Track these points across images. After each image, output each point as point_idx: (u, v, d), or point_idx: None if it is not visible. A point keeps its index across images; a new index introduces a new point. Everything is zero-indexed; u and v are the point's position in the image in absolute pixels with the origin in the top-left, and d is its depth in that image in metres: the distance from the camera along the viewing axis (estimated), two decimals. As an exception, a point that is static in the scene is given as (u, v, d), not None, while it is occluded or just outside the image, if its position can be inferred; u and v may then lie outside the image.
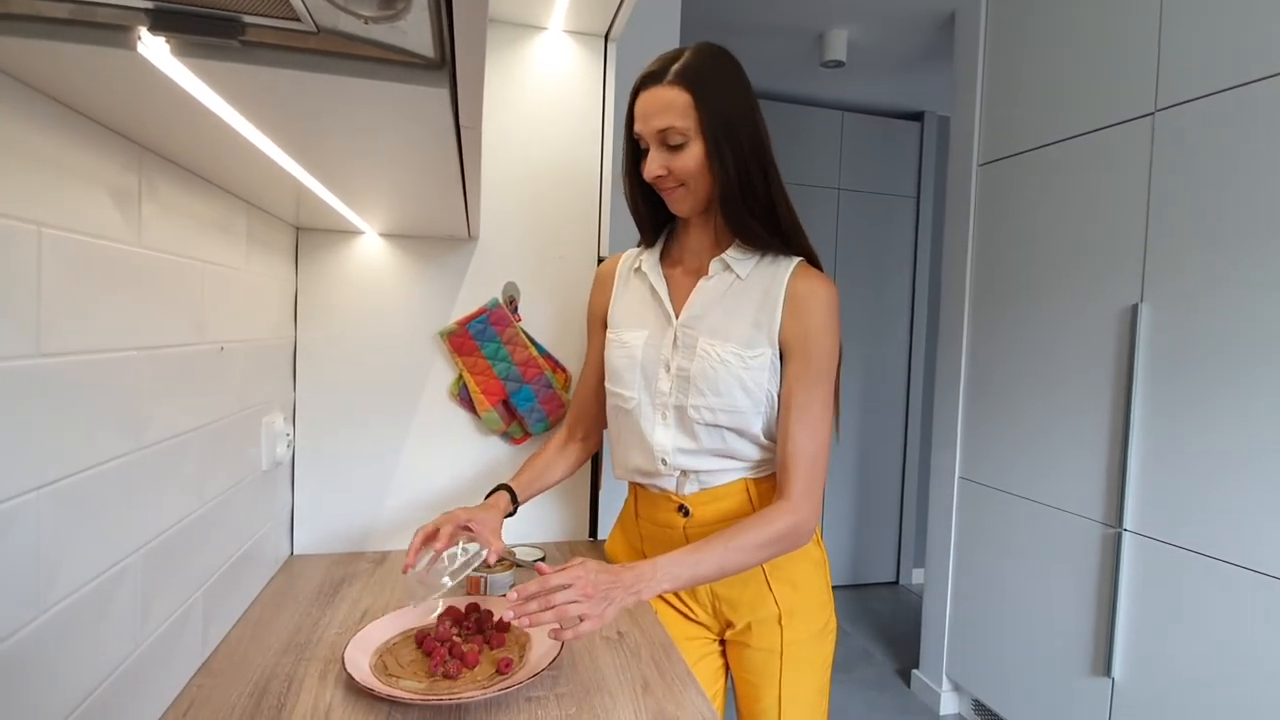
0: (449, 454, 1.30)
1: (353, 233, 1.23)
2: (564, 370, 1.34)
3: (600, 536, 1.39)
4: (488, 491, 1.05)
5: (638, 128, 0.93)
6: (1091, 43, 1.80)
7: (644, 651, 0.92)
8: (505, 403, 1.29)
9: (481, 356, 1.28)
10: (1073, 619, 1.82)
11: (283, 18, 0.39)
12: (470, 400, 1.29)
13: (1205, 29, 1.53)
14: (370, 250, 1.25)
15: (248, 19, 0.40)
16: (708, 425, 0.94)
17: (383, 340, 1.26)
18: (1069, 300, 1.85)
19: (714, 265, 0.97)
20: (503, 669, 0.82)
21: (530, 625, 0.73)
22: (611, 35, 1.32)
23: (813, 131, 3.33)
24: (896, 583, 3.56)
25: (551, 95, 1.31)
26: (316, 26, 0.40)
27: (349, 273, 1.24)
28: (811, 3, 2.46)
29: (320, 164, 0.72)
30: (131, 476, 0.67)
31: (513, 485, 1.05)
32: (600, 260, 1.35)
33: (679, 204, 0.96)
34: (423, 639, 0.87)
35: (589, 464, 1.35)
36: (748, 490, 0.98)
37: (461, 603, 0.95)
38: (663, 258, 1.05)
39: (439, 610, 0.94)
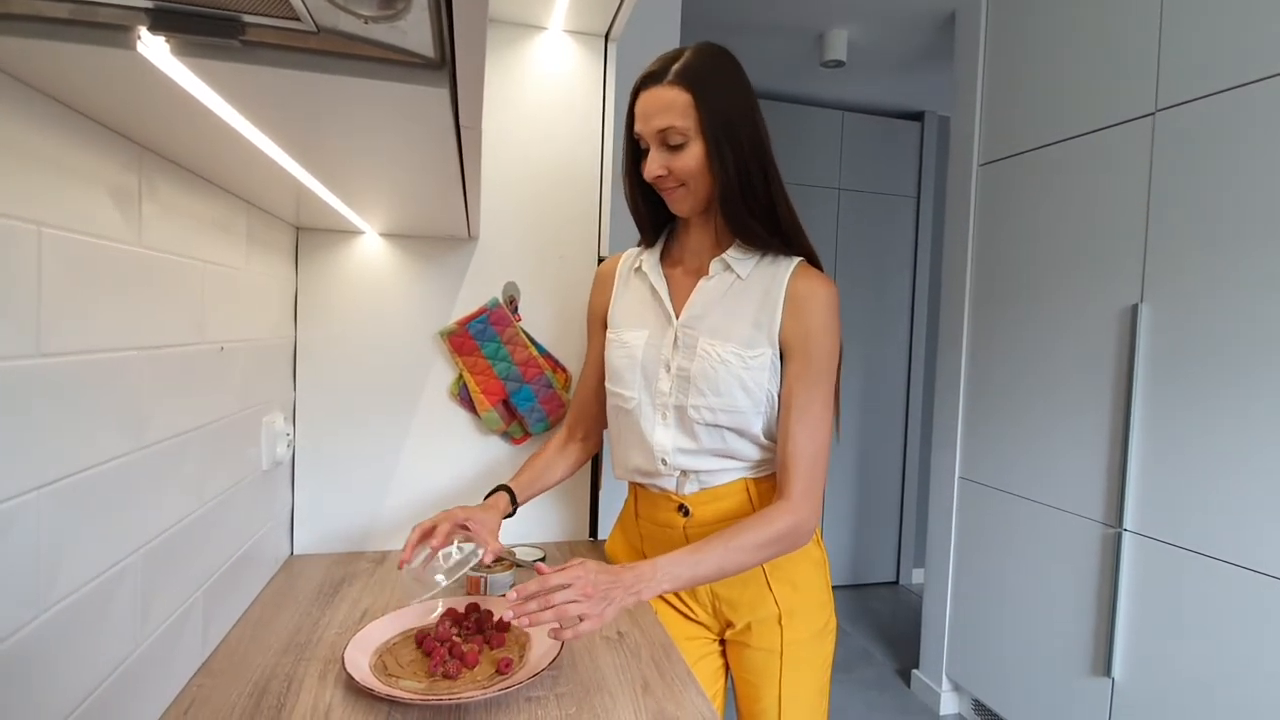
0: (449, 454, 1.30)
1: (353, 233, 1.23)
2: (564, 370, 1.34)
3: (600, 536, 1.39)
4: (487, 492, 1.05)
5: (638, 127, 0.93)
6: (1091, 43, 1.80)
7: (644, 651, 0.92)
8: (505, 402, 1.29)
9: (482, 356, 1.28)
10: (1073, 619, 1.82)
11: (283, 17, 0.39)
12: (470, 400, 1.29)
13: (1205, 29, 1.53)
14: (370, 250, 1.25)
15: (248, 19, 0.40)
16: (708, 425, 0.94)
17: (383, 340, 1.26)
18: (1069, 300, 1.85)
19: (714, 265, 0.97)
20: (503, 669, 0.82)
21: (530, 625, 0.73)
22: (611, 35, 1.32)
23: (813, 131, 3.33)
24: (896, 583, 3.56)
25: (551, 95, 1.31)
26: (316, 26, 0.40)
27: (349, 272, 1.24)
28: (812, 2, 2.46)
29: (320, 164, 0.72)
30: (131, 476, 0.67)
31: (512, 486, 1.05)
32: (600, 260, 1.35)
33: (679, 204, 0.96)
34: (423, 639, 0.87)
35: (589, 464, 1.35)
36: (748, 490, 0.98)
37: (461, 603, 0.95)
38: (663, 258, 1.05)
39: (439, 610, 0.94)
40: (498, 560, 1.09)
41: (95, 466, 0.61)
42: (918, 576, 3.56)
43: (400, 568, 0.89)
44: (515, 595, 0.75)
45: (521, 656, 0.86)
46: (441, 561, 0.91)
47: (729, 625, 1.02)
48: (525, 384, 1.30)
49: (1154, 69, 1.63)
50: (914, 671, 2.46)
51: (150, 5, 0.39)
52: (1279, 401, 1.37)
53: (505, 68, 1.28)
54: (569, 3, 1.19)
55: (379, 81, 0.45)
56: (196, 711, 0.76)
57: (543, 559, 1.20)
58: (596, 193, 1.35)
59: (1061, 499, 1.87)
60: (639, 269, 1.05)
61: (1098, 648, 1.75)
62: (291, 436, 1.20)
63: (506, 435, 1.33)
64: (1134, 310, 1.66)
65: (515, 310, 1.31)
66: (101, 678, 0.63)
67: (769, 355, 0.93)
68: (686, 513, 0.99)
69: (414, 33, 0.41)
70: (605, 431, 1.18)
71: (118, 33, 0.41)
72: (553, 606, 0.74)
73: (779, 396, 0.94)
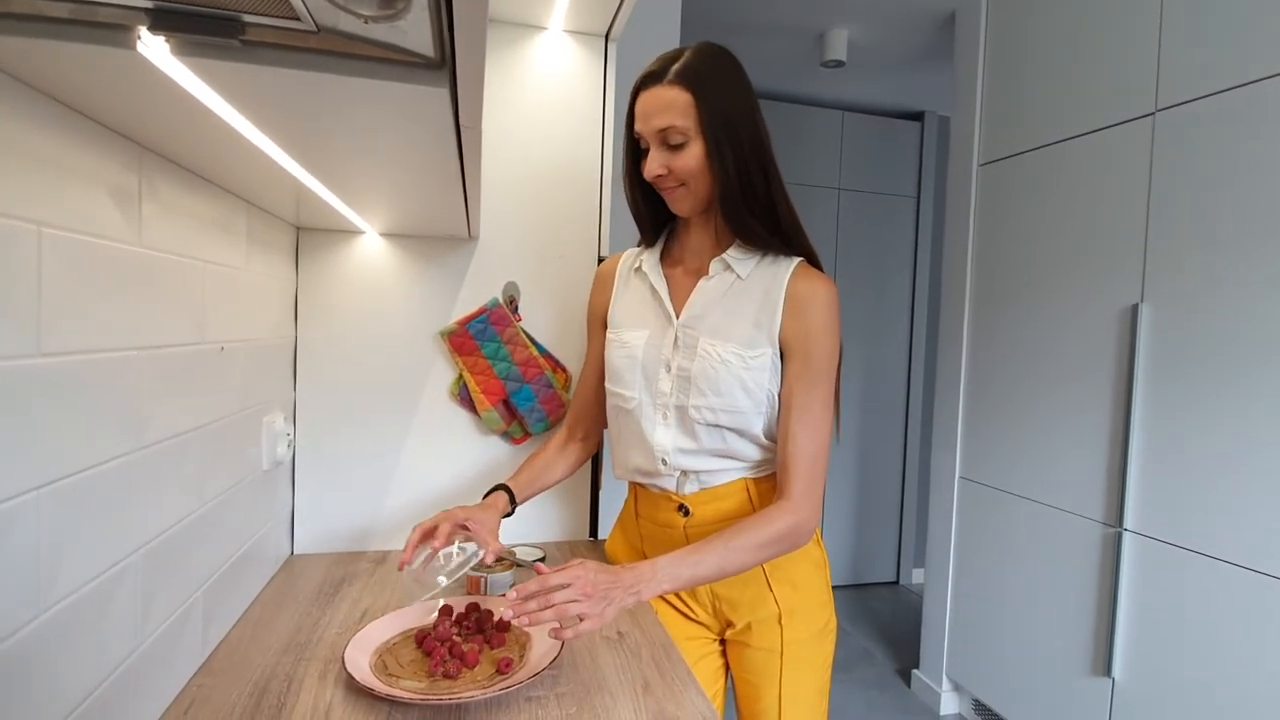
0: (449, 454, 1.30)
1: (353, 232, 1.23)
2: (564, 370, 1.34)
3: (600, 536, 1.39)
4: (485, 491, 1.05)
5: (638, 127, 0.93)
6: (1091, 43, 1.80)
7: (644, 651, 0.92)
8: (505, 402, 1.29)
9: (482, 356, 1.28)
10: (1073, 619, 1.82)
11: (283, 17, 0.39)
12: (470, 400, 1.29)
13: (1205, 29, 1.53)
14: (370, 250, 1.25)
15: (248, 18, 0.40)
16: (708, 425, 0.94)
17: (383, 340, 1.26)
18: (1069, 300, 1.85)
19: (714, 265, 0.97)
20: (503, 669, 0.82)
21: (530, 624, 0.73)
22: (612, 35, 1.32)
23: (813, 131, 3.33)
24: (896, 583, 3.56)
25: (551, 95, 1.31)
26: (316, 26, 0.40)
27: (349, 272, 1.24)
28: (812, 2, 2.46)
29: (320, 164, 0.72)
30: (132, 476, 0.67)
31: (511, 485, 1.05)
32: (600, 260, 1.35)
33: (679, 204, 0.96)
34: (423, 639, 0.87)
35: (589, 464, 1.35)
36: (748, 490, 0.98)
37: (461, 603, 0.95)
38: (663, 258, 1.05)
39: (438, 608, 0.94)
40: (498, 560, 1.09)
41: (95, 466, 0.61)
42: (918, 576, 3.56)
43: (401, 569, 0.89)
44: (515, 595, 0.75)
45: (522, 656, 0.86)
46: (442, 562, 0.91)
47: (729, 625, 1.02)
48: (525, 384, 1.30)
49: (1154, 69, 1.63)
50: (914, 671, 2.46)
51: (150, 5, 0.39)
52: (1279, 401, 1.37)
53: (505, 68, 1.28)
54: (569, 3, 1.19)
55: (379, 81, 0.45)
56: (196, 711, 0.76)
57: (543, 559, 1.20)
58: (596, 193, 1.35)
59: (1062, 499, 1.87)
60: (639, 269, 1.05)
61: (1098, 648, 1.75)
62: (292, 436, 1.20)
63: (506, 435, 1.33)
64: (1134, 310, 1.66)
65: (515, 310, 1.31)
66: (102, 677, 0.63)
67: (769, 355, 0.93)
68: (687, 513, 0.99)
69: (414, 32, 0.41)
70: (605, 431, 1.18)
71: (118, 32, 0.41)
72: (553, 606, 0.74)
73: (779, 396, 0.94)
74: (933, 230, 3.47)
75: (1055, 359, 1.89)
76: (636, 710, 0.78)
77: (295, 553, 1.25)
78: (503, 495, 1.03)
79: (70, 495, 0.57)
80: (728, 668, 1.07)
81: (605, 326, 1.07)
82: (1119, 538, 1.69)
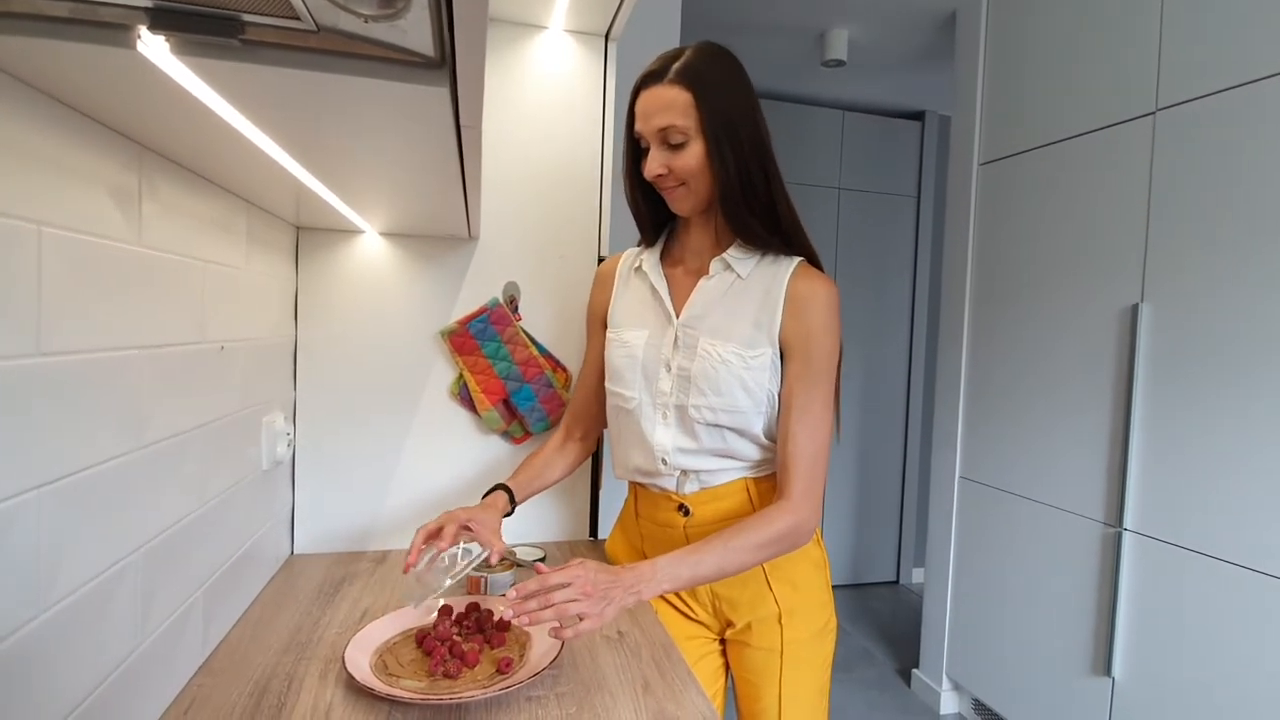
0: (449, 453, 1.30)
1: (353, 232, 1.23)
2: (564, 370, 1.34)
3: (600, 536, 1.39)
4: (484, 491, 1.05)
5: (638, 126, 0.93)
6: (1092, 42, 1.80)
7: (644, 651, 0.92)
8: (506, 402, 1.29)
9: (482, 356, 1.28)
10: (1073, 619, 1.82)
11: (283, 16, 0.39)
12: (471, 399, 1.29)
13: (1205, 29, 1.53)
14: (371, 250, 1.25)
15: (247, 18, 0.40)
16: (708, 425, 0.94)
17: (383, 340, 1.26)
18: (1069, 300, 1.85)
19: (715, 265, 0.97)
20: (503, 668, 0.82)
21: (530, 624, 0.73)
22: (612, 35, 1.32)
23: (813, 131, 3.33)
24: (896, 582, 3.56)
25: (551, 95, 1.31)
26: (316, 25, 0.40)
27: (349, 272, 1.24)
28: (812, 2, 2.46)
29: (321, 163, 0.72)
30: (132, 476, 0.67)
31: (510, 485, 1.05)
32: (600, 260, 1.35)
33: (679, 203, 0.96)
34: (423, 638, 0.87)
35: (589, 464, 1.35)
36: (748, 490, 0.98)
37: (461, 602, 0.95)
38: (663, 257, 1.05)
39: (438, 608, 0.94)
40: (499, 560, 1.09)
41: (95, 466, 0.61)
42: (918, 576, 3.56)
43: (406, 571, 0.88)
44: (515, 594, 0.75)
45: (522, 656, 0.86)
46: (446, 563, 0.91)
47: (729, 625, 1.02)
48: (525, 383, 1.30)
49: (1154, 69, 1.63)
50: (914, 671, 2.46)
51: (150, 4, 0.39)
52: (1279, 401, 1.37)
53: (505, 68, 1.28)
54: (569, 2, 1.19)
55: (379, 81, 0.45)
56: (197, 711, 0.76)
57: (543, 559, 1.20)
58: (596, 193, 1.35)
59: (1062, 499, 1.87)
60: (639, 268, 1.05)
61: (1098, 648, 1.75)
62: (292, 436, 1.20)
63: (507, 435, 1.33)
64: (1134, 310, 1.66)
65: (515, 310, 1.31)
66: (102, 677, 0.63)
67: (769, 355, 0.93)
68: (687, 512, 0.98)
69: (414, 32, 0.41)
70: (604, 431, 1.18)
71: (118, 32, 0.41)
72: (552, 605, 0.74)
73: (779, 396, 0.94)
74: (933, 230, 3.47)
75: (1055, 359, 1.89)
76: (636, 710, 0.78)
77: (295, 552, 1.25)
78: (502, 495, 1.03)
79: (70, 495, 0.57)
80: (728, 667, 1.07)
81: (605, 326, 1.07)
82: (1119, 537, 1.69)
